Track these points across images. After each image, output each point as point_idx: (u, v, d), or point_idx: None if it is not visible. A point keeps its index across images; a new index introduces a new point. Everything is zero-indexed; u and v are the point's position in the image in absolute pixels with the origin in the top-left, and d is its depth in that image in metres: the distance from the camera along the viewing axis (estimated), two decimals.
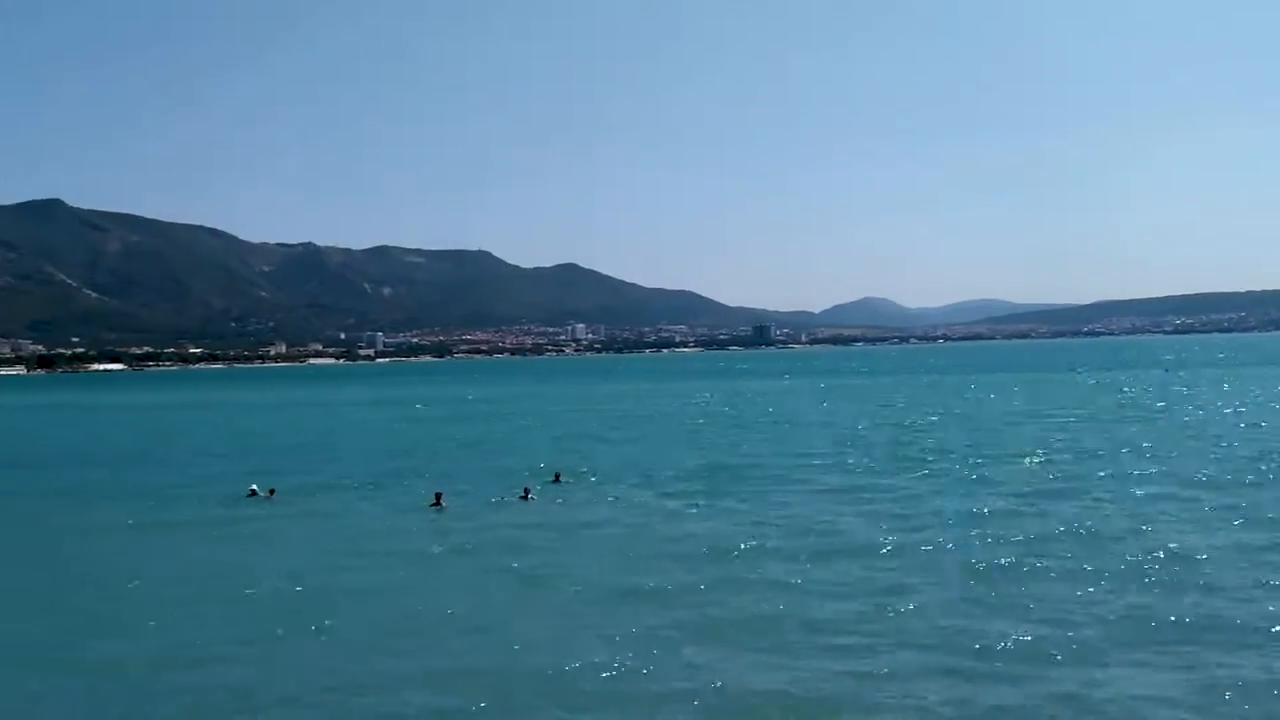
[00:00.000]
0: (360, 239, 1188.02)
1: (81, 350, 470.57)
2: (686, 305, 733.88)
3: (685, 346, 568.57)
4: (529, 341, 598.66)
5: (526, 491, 36.78)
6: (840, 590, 22.14)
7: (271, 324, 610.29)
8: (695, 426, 69.23)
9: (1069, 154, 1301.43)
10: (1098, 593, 21.08)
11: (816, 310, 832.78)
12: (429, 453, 55.74)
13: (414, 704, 16.25)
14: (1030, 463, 42.57)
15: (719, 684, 16.55)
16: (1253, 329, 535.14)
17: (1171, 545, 25.10)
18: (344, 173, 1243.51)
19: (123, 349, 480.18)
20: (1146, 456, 43.52)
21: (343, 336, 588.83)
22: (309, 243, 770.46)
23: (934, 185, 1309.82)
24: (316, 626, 20.26)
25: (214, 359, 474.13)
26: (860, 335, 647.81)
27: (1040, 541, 26.30)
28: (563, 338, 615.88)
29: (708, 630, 19.54)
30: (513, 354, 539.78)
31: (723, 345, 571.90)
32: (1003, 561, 24.05)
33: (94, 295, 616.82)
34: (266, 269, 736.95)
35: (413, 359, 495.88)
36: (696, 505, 34.22)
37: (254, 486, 39.40)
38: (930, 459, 45.03)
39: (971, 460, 43.97)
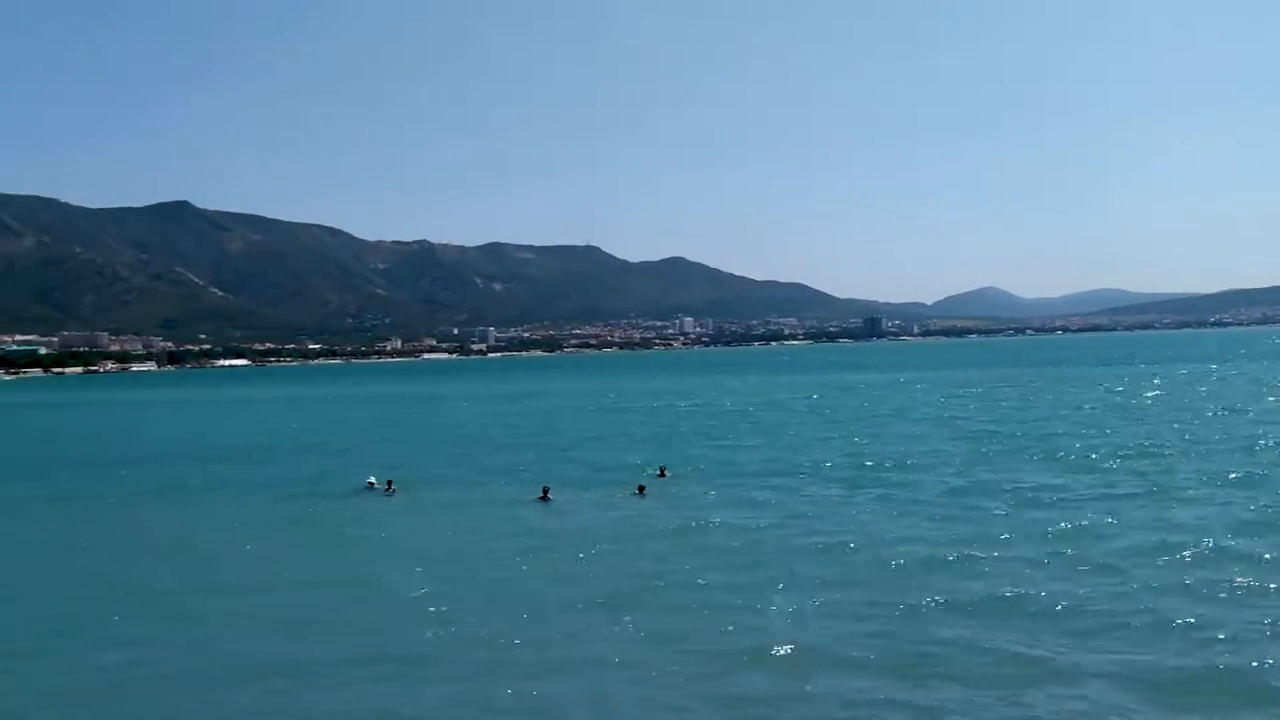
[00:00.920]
0: (473, 236, 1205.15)
1: (208, 347, 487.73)
2: (796, 298, 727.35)
3: (794, 339, 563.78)
4: (637, 335, 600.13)
5: (641, 489, 36.68)
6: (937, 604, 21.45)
7: (387, 320, 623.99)
8: (807, 420, 68.32)
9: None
10: None
11: (929, 302, 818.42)
12: (539, 446, 56.11)
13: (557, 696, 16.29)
14: None
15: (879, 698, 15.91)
16: None
17: None
18: (458, 171, 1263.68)
19: (246, 345, 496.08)
20: None
21: (455, 332, 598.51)
22: (423, 240, 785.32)
23: (1051, 170, 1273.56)
24: (438, 622, 20.41)
25: (332, 354, 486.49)
26: (974, 327, 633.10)
27: None
28: (670, 331, 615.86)
29: (848, 632, 19.07)
30: (621, 348, 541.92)
31: (832, 338, 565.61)
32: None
33: (219, 293, 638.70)
34: (382, 266, 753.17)
35: (523, 353, 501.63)
36: (809, 500, 33.66)
37: (372, 479, 40.05)
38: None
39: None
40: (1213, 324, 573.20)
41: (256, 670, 17.78)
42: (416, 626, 20.01)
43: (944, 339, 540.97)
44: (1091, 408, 68.91)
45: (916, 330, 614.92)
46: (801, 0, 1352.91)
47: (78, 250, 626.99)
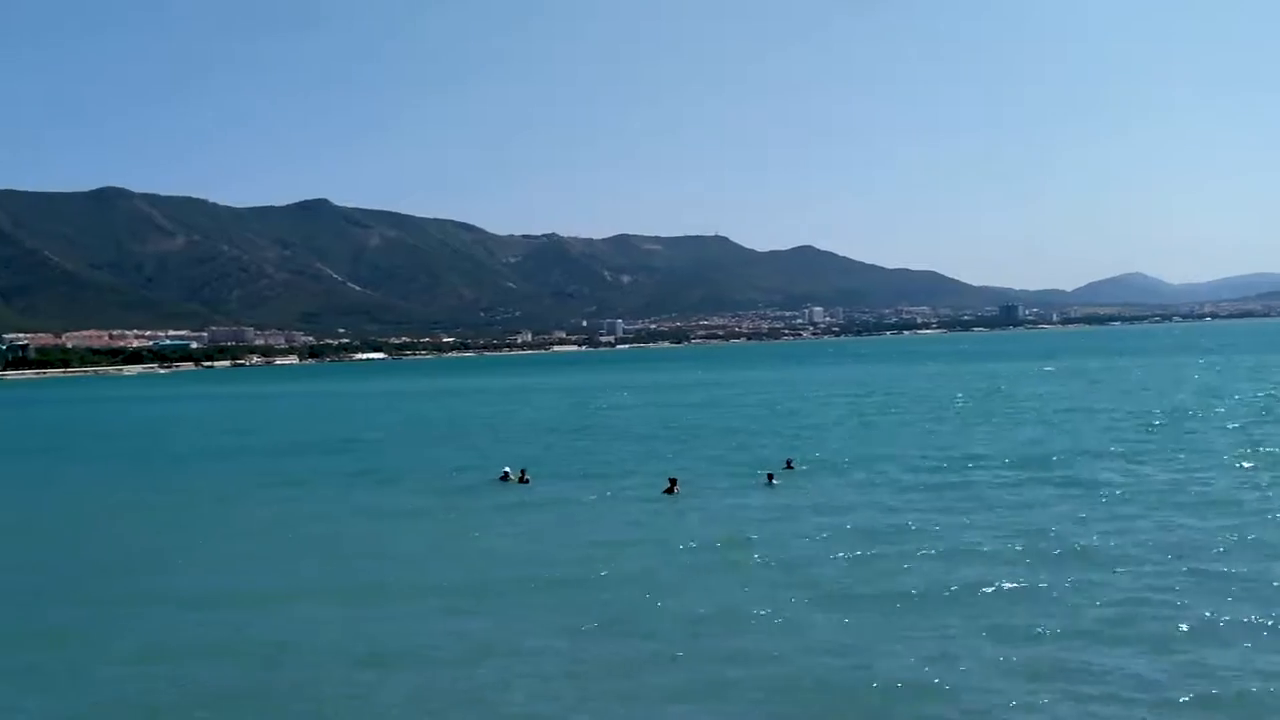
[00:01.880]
0: (601, 229, 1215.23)
1: (346, 340, 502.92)
2: (929, 286, 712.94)
3: (927, 328, 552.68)
4: (765, 326, 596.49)
5: (770, 477, 36.00)
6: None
7: (518, 313, 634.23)
8: (945, 412, 66.13)
9: None
10: None
11: (1069, 288, 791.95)
12: (668, 437, 55.63)
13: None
14: None
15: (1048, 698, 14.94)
16: None
17: None
18: (585, 165, 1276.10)
19: (382, 339, 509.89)
20: None
21: (584, 324, 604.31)
22: (552, 234, 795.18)
23: (1200, 150, 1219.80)
24: (564, 616, 19.97)
25: (465, 347, 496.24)
26: (1117, 314, 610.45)
27: None
28: (799, 321, 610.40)
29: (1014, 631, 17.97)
30: (749, 339, 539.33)
31: (967, 326, 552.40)
32: None
33: (357, 289, 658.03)
34: (513, 260, 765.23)
35: (651, 345, 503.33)
36: (948, 498, 32.13)
37: (506, 469, 40.12)
38: None
39: None
40: None
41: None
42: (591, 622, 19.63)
43: (1085, 327, 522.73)
44: None
45: (1055, 318, 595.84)
46: None
47: (225, 248, 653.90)
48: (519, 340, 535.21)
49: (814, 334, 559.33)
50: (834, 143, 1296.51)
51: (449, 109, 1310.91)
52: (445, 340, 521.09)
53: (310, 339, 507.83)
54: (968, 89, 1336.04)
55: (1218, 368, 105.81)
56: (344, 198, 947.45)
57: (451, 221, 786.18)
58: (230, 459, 53.88)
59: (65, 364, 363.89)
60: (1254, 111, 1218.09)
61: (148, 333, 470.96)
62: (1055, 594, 19.96)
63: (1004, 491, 32.57)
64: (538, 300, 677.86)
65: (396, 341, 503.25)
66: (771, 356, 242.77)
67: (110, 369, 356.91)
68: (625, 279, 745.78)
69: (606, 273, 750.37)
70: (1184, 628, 17.58)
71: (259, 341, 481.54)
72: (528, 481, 38.32)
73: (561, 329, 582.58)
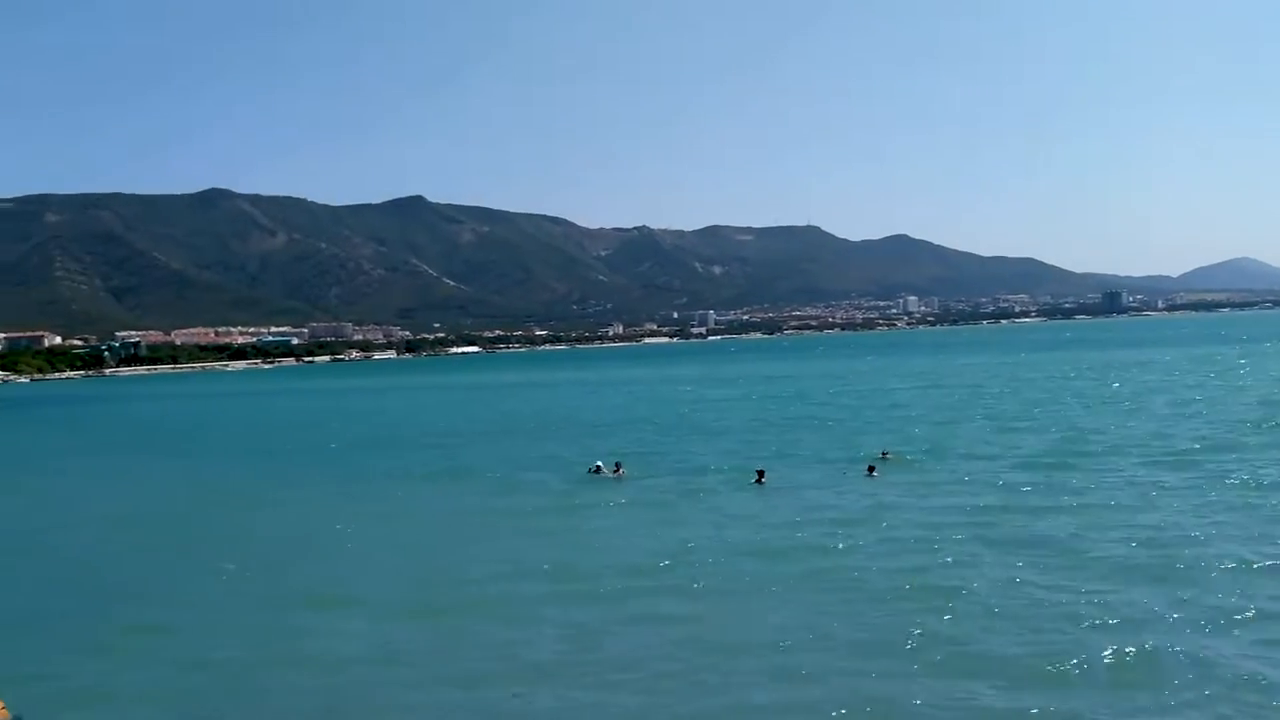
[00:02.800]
0: (691, 220, 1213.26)
1: (441, 335, 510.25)
2: (1028, 273, 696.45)
3: (1026, 317, 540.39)
4: (859, 316, 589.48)
5: (871, 469, 35.67)
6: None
7: (609, 305, 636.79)
8: (1045, 401, 64.53)
9: None
10: None
11: (1175, 274, 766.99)
12: (760, 428, 55.28)
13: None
14: None
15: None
16: None
17: None
18: (675, 157, 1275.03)
19: (477, 333, 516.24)
20: None
21: (676, 315, 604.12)
22: (643, 226, 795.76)
23: None
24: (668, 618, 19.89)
25: (557, 340, 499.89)
26: (1226, 300, 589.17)
27: None
28: (894, 311, 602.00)
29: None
30: (842, 329, 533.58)
31: (1068, 315, 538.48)
32: None
33: (451, 283, 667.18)
34: (604, 253, 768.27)
35: (743, 336, 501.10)
36: (1048, 491, 31.30)
37: (599, 463, 40.25)
38: None
39: None
40: None
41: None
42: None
43: (1192, 314, 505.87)
44: None
45: (1161, 305, 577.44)
46: None
47: (323, 246, 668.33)
48: (610, 333, 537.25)
49: (909, 324, 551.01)
50: (927, 129, 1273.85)
51: (540, 104, 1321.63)
52: (538, 333, 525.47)
53: (407, 334, 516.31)
54: (1065, 70, 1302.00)
55: None
56: (437, 194, 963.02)
57: (543, 215, 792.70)
58: (328, 454, 54.94)
59: (174, 360, 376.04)
60: None
61: (251, 329, 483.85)
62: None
63: (1134, 488, 31.41)
64: (628, 292, 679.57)
65: (490, 335, 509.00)
66: (866, 347, 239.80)
67: (216, 365, 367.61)
68: (716, 270, 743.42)
69: (697, 264, 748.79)
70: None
71: (357, 337, 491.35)
72: (622, 475, 38.35)
73: (652, 321, 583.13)
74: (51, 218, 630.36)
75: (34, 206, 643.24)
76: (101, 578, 25.73)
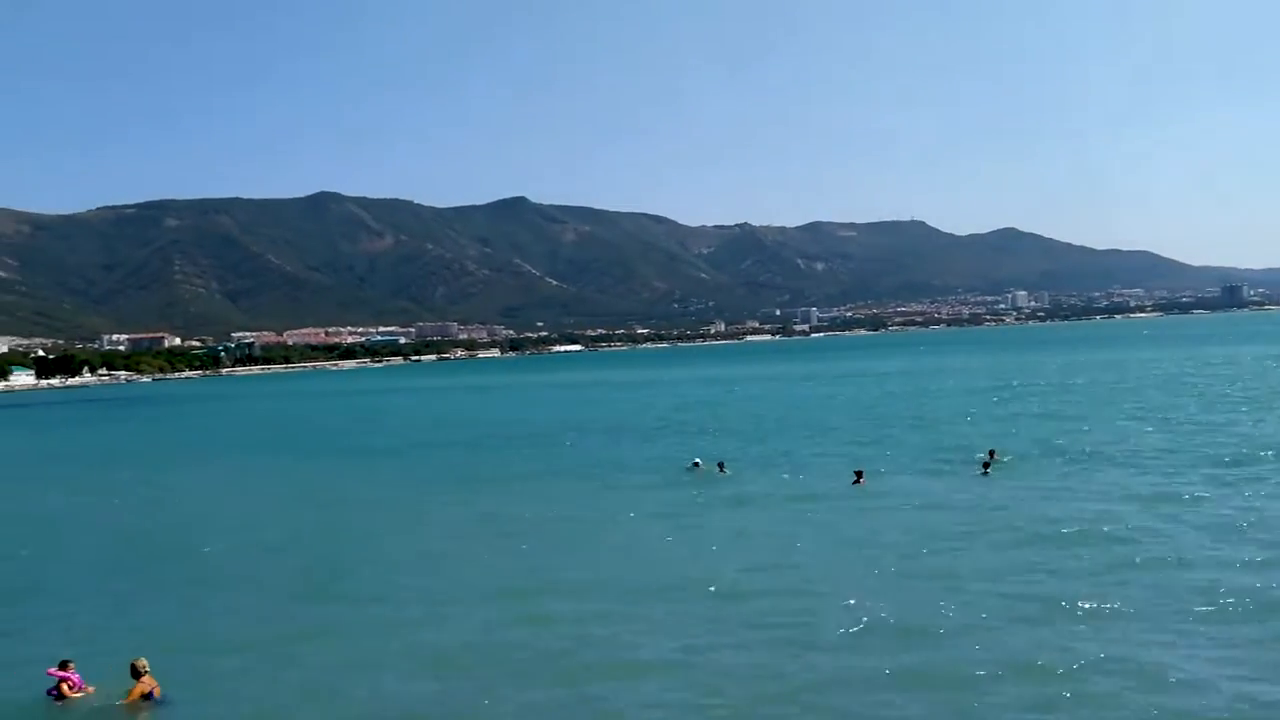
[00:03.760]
0: (794, 216, 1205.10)
1: (544, 334, 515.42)
2: (1142, 266, 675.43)
3: (1141, 311, 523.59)
4: (965, 312, 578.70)
5: (985, 466, 34.75)
6: None
7: (711, 303, 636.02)
8: (1166, 400, 61.95)
9: None
10: None
11: None
12: (863, 427, 54.21)
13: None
14: None
15: None
16: None
17: None
18: (776, 153, 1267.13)
19: (579, 331, 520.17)
20: None
21: (778, 313, 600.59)
22: (744, 223, 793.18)
23: None
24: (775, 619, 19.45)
25: (659, 338, 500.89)
26: None
27: None
28: (1002, 306, 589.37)
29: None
30: (948, 324, 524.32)
31: (1185, 309, 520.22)
32: None
33: (554, 283, 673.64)
34: (705, 251, 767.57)
35: (846, 333, 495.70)
36: (1162, 493, 29.88)
37: (697, 460, 39.89)
38: None
39: None
40: None
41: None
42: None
43: None
44: None
45: None
46: None
47: (429, 247, 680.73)
48: (712, 330, 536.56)
49: (1017, 319, 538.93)
50: (1034, 121, 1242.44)
51: (641, 103, 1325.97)
52: (640, 331, 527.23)
53: (510, 333, 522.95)
54: (1185, 55, 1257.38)
55: None
56: (540, 194, 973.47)
57: (644, 214, 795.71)
58: (431, 450, 55.52)
59: (286, 360, 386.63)
60: None
61: (360, 329, 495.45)
62: None
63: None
64: (730, 290, 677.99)
65: (593, 334, 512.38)
66: (972, 343, 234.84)
67: (326, 364, 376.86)
68: (819, 267, 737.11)
69: (800, 261, 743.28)
70: None
71: (463, 336, 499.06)
72: (725, 473, 37.83)
73: (755, 318, 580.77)
74: (171, 223, 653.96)
75: (155, 212, 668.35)
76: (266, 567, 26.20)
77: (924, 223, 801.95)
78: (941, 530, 25.83)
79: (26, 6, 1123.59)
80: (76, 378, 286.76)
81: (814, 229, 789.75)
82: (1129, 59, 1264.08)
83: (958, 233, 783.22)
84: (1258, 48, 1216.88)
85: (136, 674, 16.52)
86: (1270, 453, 35.53)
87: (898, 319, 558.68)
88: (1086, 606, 18.47)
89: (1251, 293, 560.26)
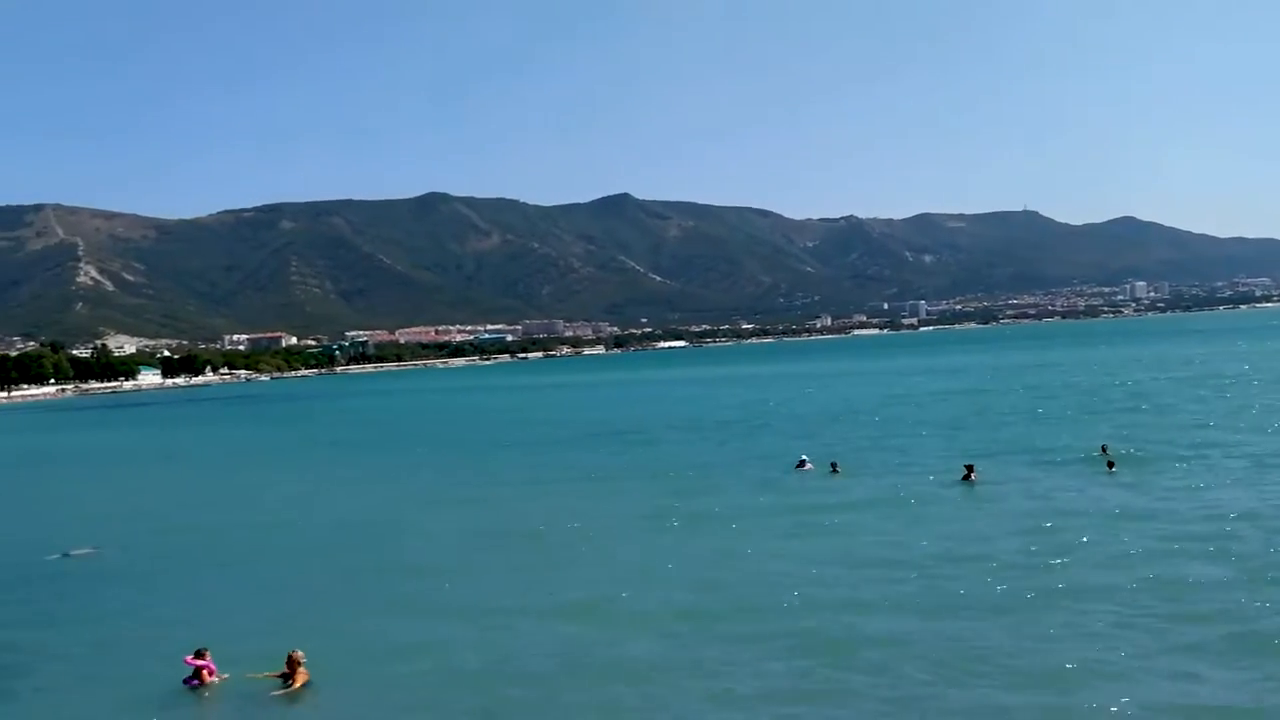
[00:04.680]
0: (901, 208, 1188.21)
1: (649, 330, 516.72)
2: (1270, 254, 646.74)
3: (1269, 301, 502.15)
4: (1081, 304, 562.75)
5: (1110, 464, 33.54)
6: None
7: (816, 297, 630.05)
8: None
9: None
10: None
11: None
12: (972, 422, 53.06)
13: None
14: None
15: None
16: None
17: None
18: (882, 144, 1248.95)
19: (683, 327, 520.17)
20: None
21: (885, 306, 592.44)
22: (850, 216, 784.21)
23: None
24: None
25: (764, 333, 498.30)
26: None
27: None
28: (1120, 298, 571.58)
29: None
30: (1063, 317, 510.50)
31: None
32: None
33: (657, 279, 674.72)
34: (810, 244, 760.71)
35: (956, 326, 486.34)
36: None
37: (804, 457, 39.47)
38: None
39: None
40: None
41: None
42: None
43: None
44: None
45: None
46: None
47: (535, 245, 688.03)
48: (818, 325, 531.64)
49: (1136, 311, 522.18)
50: (1153, 105, 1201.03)
51: (744, 98, 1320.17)
52: (744, 327, 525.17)
53: (615, 329, 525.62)
54: None
55: None
56: (644, 191, 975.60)
57: (748, 208, 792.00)
58: (533, 448, 55.82)
59: (398, 359, 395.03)
60: None
61: (468, 328, 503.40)
62: None
63: None
64: (836, 284, 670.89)
65: (697, 329, 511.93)
66: (1089, 335, 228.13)
67: (436, 362, 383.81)
68: (928, 259, 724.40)
69: (908, 253, 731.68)
70: None
71: (568, 333, 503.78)
72: (838, 472, 37.29)
73: (861, 312, 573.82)
74: (287, 225, 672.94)
75: (271, 215, 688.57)
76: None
77: (1037, 213, 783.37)
78: (1098, 535, 24.94)
79: (158, 25, 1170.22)
80: (200, 377, 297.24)
81: (922, 220, 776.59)
82: (1256, 37, 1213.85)
83: (1072, 222, 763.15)
84: None
85: (293, 665, 16.97)
86: None
87: (1010, 312, 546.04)
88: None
89: None
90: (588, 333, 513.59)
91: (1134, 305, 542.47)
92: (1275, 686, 14.32)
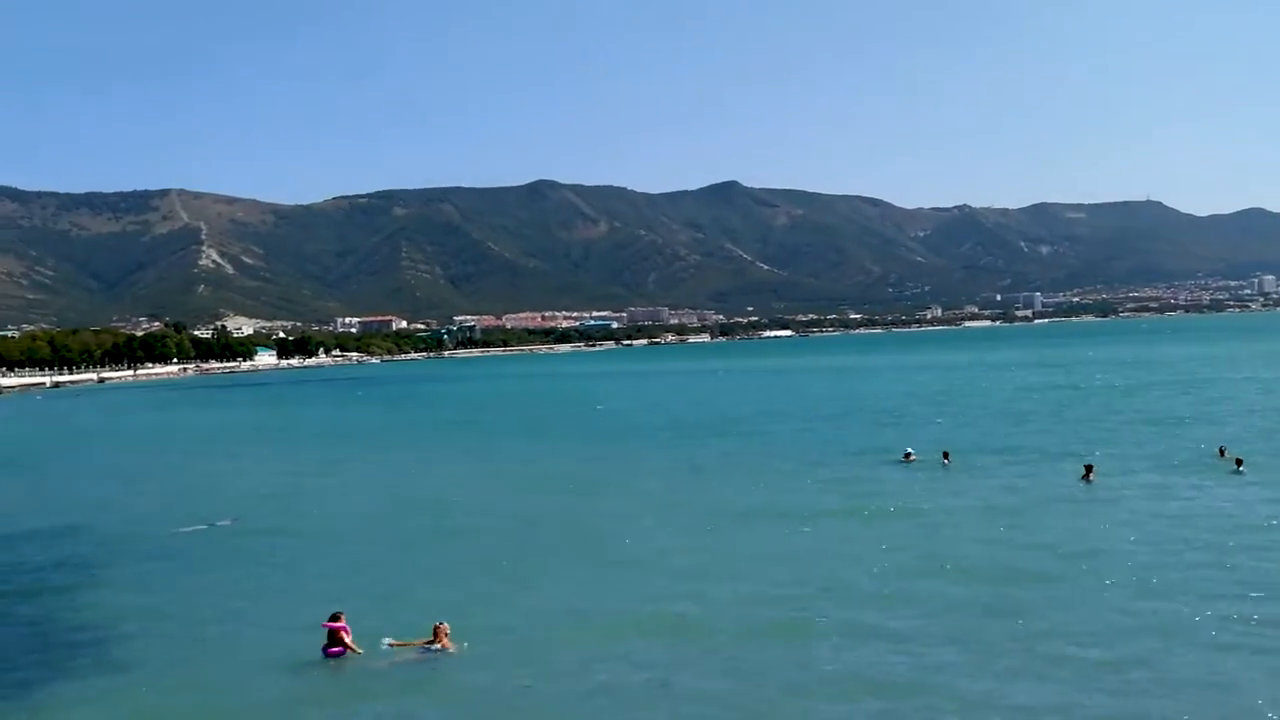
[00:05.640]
0: (1016, 197, 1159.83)
1: (755, 319, 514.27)
2: None
3: None
4: (1205, 297, 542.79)
5: (1238, 462, 32.48)
6: None
7: (926, 288, 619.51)
8: None
9: None
10: None
11: None
12: (1089, 420, 51.50)
13: None
14: None
15: None
16: None
17: None
18: (997, 132, 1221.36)
19: (790, 316, 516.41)
20: None
21: (998, 298, 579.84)
22: (963, 205, 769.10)
23: None
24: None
25: (872, 324, 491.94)
26: None
27: None
28: (1247, 292, 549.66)
29: None
30: (1186, 311, 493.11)
31: None
32: None
33: (764, 267, 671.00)
34: (921, 234, 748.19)
35: (1073, 319, 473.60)
36: None
37: (909, 450, 39.24)
38: None
39: None
40: None
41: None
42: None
43: None
44: None
45: None
46: None
47: (642, 233, 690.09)
48: (928, 316, 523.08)
49: (1264, 305, 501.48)
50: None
51: (854, 83, 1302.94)
52: (852, 317, 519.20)
53: (720, 318, 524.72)
54: None
55: None
56: (752, 179, 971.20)
57: (858, 197, 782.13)
58: (655, 436, 56.17)
59: (504, 344, 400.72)
60: None
61: (574, 314, 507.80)
62: None
63: None
64: (947, 274, 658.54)
65: (804, 319, 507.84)
66: (1214, 330, 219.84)
67: (542, 347, 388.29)
68: (1044, 250, 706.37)
69: (1023, 244, 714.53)
70: None
71: (673, 321, 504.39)
72: (949, 464, 36.94)
73: (973, 304, 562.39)
74: (399, 211, 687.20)
75: (384, 201, 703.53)
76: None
77: (1160, 203, 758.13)
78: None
79: (278, 23, 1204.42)
80: (313, 358, 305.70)
81: (1039, 210, 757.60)
82: None
83: (1197, 213, 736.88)
84: None
85: (439, 635, 17.60)
86: None
87: (1130, 305, 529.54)
88: None
89: None
90: (693, 321, 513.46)
91: (1262, 299, 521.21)
92: None
